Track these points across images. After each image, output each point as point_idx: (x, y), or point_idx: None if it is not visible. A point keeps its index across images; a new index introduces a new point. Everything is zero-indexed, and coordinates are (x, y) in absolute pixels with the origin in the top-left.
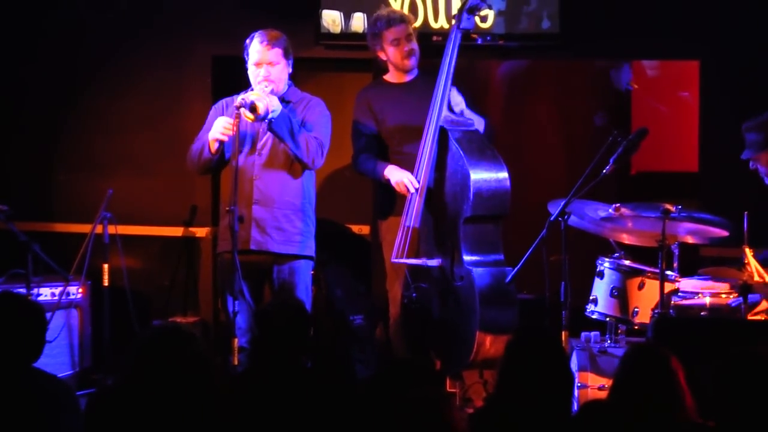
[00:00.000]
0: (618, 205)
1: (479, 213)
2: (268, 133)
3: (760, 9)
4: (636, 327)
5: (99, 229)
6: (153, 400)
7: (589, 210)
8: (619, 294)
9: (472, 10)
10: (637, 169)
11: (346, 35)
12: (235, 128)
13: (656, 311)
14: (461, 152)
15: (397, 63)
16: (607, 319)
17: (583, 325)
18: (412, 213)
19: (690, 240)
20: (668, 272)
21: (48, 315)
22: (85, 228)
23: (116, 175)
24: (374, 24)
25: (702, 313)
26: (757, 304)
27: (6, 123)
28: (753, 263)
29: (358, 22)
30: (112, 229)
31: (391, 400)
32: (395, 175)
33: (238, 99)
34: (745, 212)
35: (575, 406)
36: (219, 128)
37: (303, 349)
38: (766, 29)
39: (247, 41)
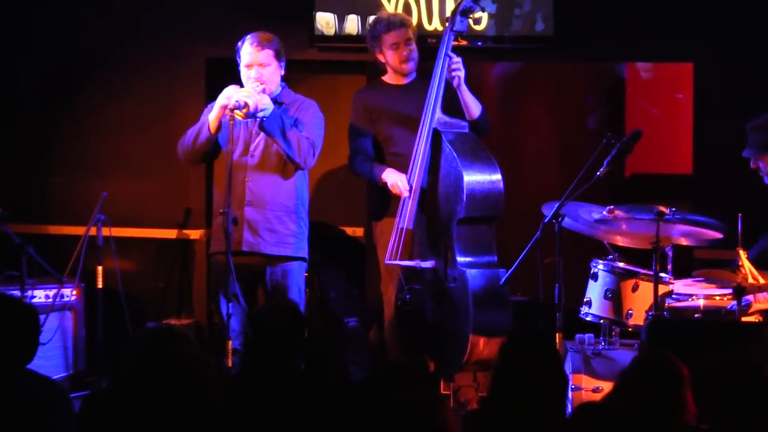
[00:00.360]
0: (612, 207)
1: (472, 214)
2: (261, 135)
3: (754, 11)
4: (630, 329)
5: (93, 231)
6: (147, 402)
7: (583, 212)
8: (613, 296)
9: (465, 13)
10: (631, 171)
11: (340, 38)
12: (231, 123)
13: (650, 313)
14: (454, 154)
15: (396, 67)
16: (601, 321)
17: (577, 327)
18: (406, 215)
19: (684, 242)
20: (662, 274)
21: (42, 317)
22: (79, 230)
23: (110, 177)
24: (374, 27)
25: (696, 315)
26: (749, 305)
27: (0, 125)
28: (747, 265)
29: (352, 24)
30: (106, 232)
31: (385, 402)
32: (391, 177)
33: (232, 100)
34: (739, 214)
35: (569, 409)
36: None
37: (297, 351)
38: (760, 32)
39: (239, 44)
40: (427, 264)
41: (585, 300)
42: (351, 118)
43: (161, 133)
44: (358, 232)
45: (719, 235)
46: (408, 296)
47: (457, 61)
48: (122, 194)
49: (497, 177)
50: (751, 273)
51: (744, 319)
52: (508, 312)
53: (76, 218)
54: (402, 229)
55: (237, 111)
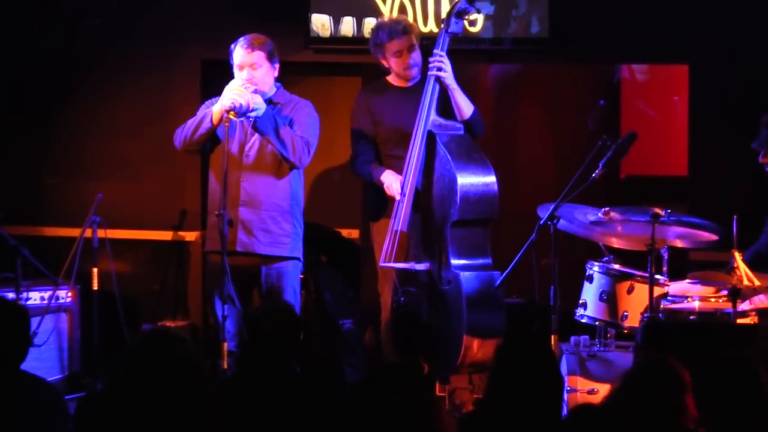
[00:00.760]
0: (607, 209)
1: (466, 217)
2: (256, 135)
3: (749, 13)
4: (625, 331)
5: (88, 233)
6: (143, 404)
7: (578, 214)
8: (609, 298)
9: (461, 14)
10: (626, 173)
11: (336, 39)
12: (226, 125)
13: (645, 315)
14: (448, 156)
15: (400, 74)
16: (597, 323)
17: (572, 329)
18: (400, 217)
19: (679, 244)
20: (657, 276)
21: (37, 319)
22: (74, 232)
23: (106, 179)
24: (376, 34)
25: (691, 317)
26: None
27: None
28: (742, 267)
29: (348, 26)
30: (101, 233)
31: (381, 404)
32: (388, 179)
33: (225, 100)
34: (735, 216)
35: (565, 410)
36: (231, 94)
37: (292, 353)
38: (756, 33)
39: (232, 46)
40: (422, 266)
41: (580, 302)
42: (353, 117)
43: (157, 134)
44: (354, 233)
45: (714, 237)
46: (402, 299)
47: (440, 56)
48: (117, 196)
49: (491, 179)
50: (746, 275)
51: (739, 321)
52: (501, 314)
53: (72, 220)
54: (396, 231)
55: (231, 112)
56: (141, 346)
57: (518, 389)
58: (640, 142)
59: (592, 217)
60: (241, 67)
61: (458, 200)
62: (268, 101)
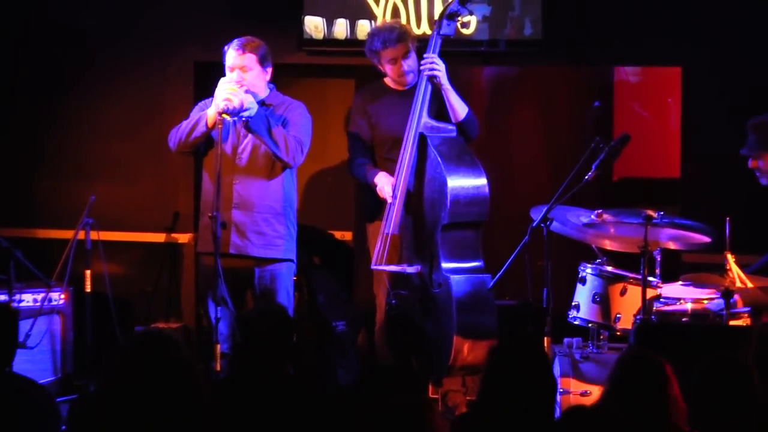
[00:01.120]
0: (600, 211)
1: (457, 220)
2: (249, 137)
3: (741, 16)
4: (618, 333)
5: (81, 235)
6: (135, 406)
7: (571, 216)
8: (602, 300)
9: (452, 16)
10: (619, 175)
11: (329, 41)
12: (220, 128)
13: (638, 317)
14: (439, 159)
15: (395, 80)
16: (590, 325)
17: (565, 331)
18: (391, 220)
19: (672, 246)
20: (650, 278)
21: (30, 321)
22: (67, 234)
23: (99, 181)
24: (371, 41)
25: (684, 319)
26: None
27: None
28: (735, 269)
29: (341, 28)
30: (94, 235)
31: (374, 406)
32: (381, 181)
33: (219, 101)
34: (727, 218)
35: (558, 412)
36: (224, 94)
37: (285, 355)
38: (748, 36)
39: (226, 47)
40: (413, 269)
41: (573, 304)
42: (350, 119)
43: (150, 136)
44: (347, 235)
45: (707, 239)
46: (394, 301)
47: (431, 58)
48: (111, 198)
49: (482, 182)
50: (739, 277)
51: (732, 322)
52: (492, 317)
53: (65, 222)
54: (387, 234)
55: (224, 114)
56: (133, 348)
57: (511, 391)
58: (633, 144)
59: (585, 219)
60: (232, 69)
61: (448, 203)
62: (261, 103)
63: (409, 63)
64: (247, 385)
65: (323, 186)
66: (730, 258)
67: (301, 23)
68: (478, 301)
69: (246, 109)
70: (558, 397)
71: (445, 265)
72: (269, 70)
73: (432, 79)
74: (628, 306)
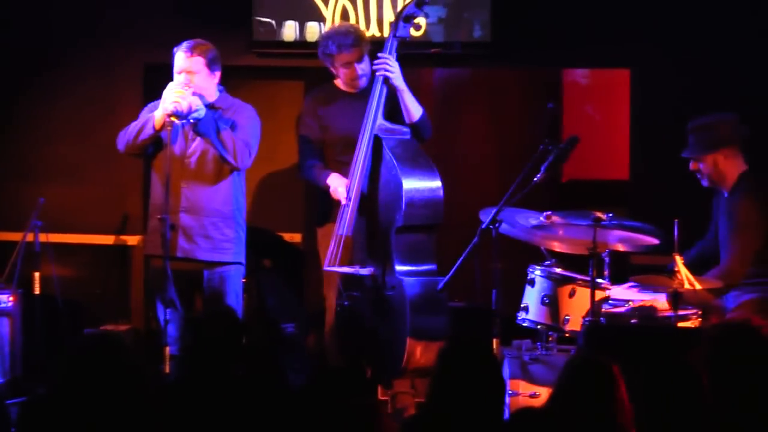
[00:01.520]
0: (549, 213)
1: (411, 223)
2: (197, 141)
3: (689, 18)
4: (567, 335)
5: (30, 237)
6: (84, 408)
7: (520, 218)
8: (550, 302)
9: (409, 19)
10: (568, 177)
11: (278, 43)
12: (169, 129)
13: (587, 319)
14: (394, 161)
15: (348, 83)
16: (539, 326)
17: (514, 333)
18: (345, 222)
19: (621, 248)
20: (599, 280)
21: None
22: (15, 236)
23: (47, 183)
24: (326, 44)
25: (632, 321)
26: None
27: None
28: (683, 271)
29: (290, 30)
30: (43, 237)
31: (323, 408)
32: (334, 183)
33: (168, 104)
34: (676, 220)
35: (507, 414)
36: (172, 97)
37: (234, 357)
38: (696, 38)
39: (175, 49)
40: (366, 271)
41: (522, 306)
42: (300, 122)
43: (99, 138)
44: (296, 237)
45: (656, 241)
46: (346, 303)
47: (386, 59)
48: (60, 200)
49: (437, 185)
50: (687, 278)
51: (680, 324)
52: (445, 319)
53: (13, 224)
54: (341, 235)
55: (173, 116)
56: (82, 351)
57: (460, 393)
58: (582, 146)
59: (533, 221)
60: (180, 72)
61: (403, 205)
62: (210, 106)
63: (363, 67)
64: (196, 387)
65: (273, 188)
66: (679, 260)
67: (251, 25)
68: (432, 303)
69: (196, 110)
70: (507, 399)
71: (399, 267)
72: (217, 73)
73: (386, 81)
74: (577, 308)
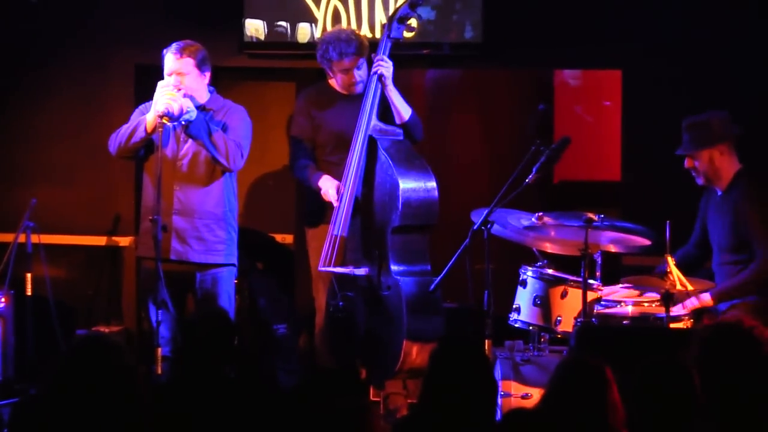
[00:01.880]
0: (541, 214)
1: (407, 223)
2: (189, 143)
3: (681, 19)
4: (559, 336)
5: (22, 238)
6: (76, 409)
7: (512, 219)
8: (542, 303)
9: (403, 20)
10: (559, 178)
11: (270, 44)
12: (160, 131)
13: (579, 320)
14: (390, 162)
15: (344, 88)
16: (530, 327)
17: (506, 334)
18: (340, 222)
19: (613, 249)
20: (591, 281)
21: None
22: (7, 237)
23: (39, 184)
24: (326, 49)
25: (624, 322)
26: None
27: None
28: (675, 272)
29: (282, 31)
30: (35, 239)
31: (315, 409)
32: (325, 184)
33: (160, 106)
34: (667, 221)
35: (498, 415)
36: (163, 99)
37: (226, 358)
38: (687, 39)
39: (165, 51)
40: (361, 271)
41: (514, 307)
42: (293, 121)
43: (91, 139)
44: (288, 239)
45: (647, 242)
46: (341, 303)
47: (383, 61)
48: (51, 201)
49: (432, 185)
50: (679, 279)
51: (672, 325)
52: (440, 319)
53: (5, 225)
54: (335, 236)
55: (164, 117)
56: (74, 352)
57: (452, 394)
58: (574, 147)
59: (525, 222)
60: (170, 73)
61: (400, 206)
62: (201, 108)
63: (360, 73)
64: (188, 388)
65: (264, 189)
66: (671, 261)
67: (242, 26)
68: (428, 303)
69: (187, 112)
70: (499, 400)
71: (394, 267)
72: (207, 74)
73: (380, 78)
74: (568, 309)
